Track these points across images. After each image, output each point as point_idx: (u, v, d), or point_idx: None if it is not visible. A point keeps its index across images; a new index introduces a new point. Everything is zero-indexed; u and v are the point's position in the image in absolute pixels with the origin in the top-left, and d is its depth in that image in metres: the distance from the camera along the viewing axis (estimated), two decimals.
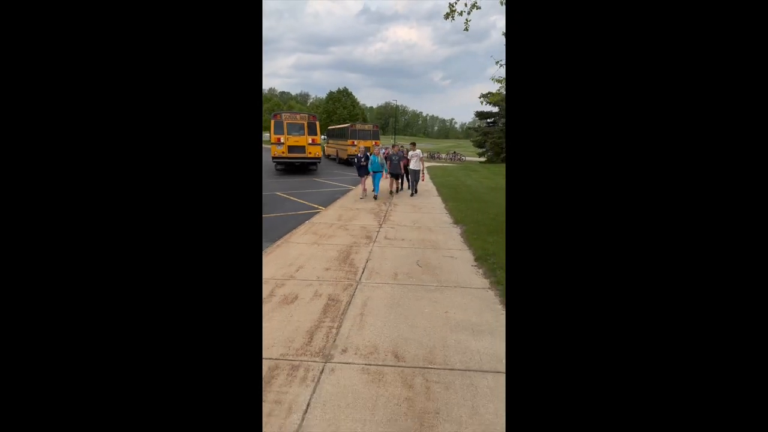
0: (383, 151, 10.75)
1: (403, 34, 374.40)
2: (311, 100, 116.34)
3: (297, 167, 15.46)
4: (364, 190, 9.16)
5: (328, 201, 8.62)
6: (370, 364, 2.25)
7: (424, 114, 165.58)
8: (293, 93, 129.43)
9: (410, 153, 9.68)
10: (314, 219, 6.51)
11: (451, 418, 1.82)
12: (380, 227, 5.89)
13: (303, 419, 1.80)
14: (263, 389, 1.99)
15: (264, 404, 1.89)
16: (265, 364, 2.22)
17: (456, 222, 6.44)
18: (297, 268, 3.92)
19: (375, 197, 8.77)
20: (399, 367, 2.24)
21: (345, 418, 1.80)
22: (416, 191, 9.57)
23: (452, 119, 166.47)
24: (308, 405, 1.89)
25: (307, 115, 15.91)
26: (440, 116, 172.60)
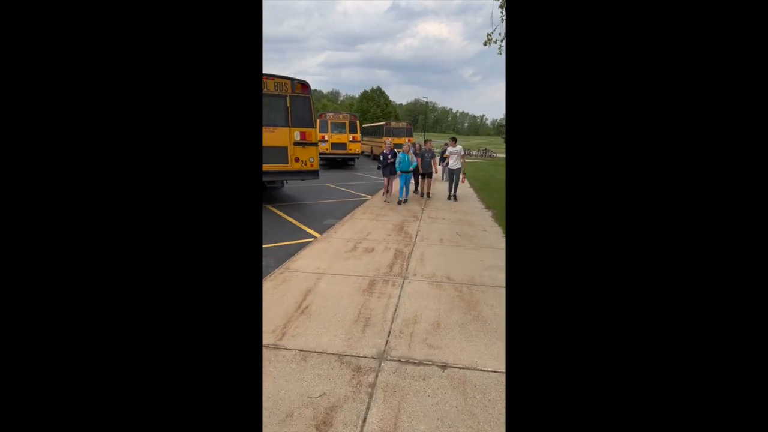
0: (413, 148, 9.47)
1: (433, 29, 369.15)
2: (342, 98, 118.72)
3: (338, 162, 16.99)
4: (387, 191, 8.06)
5: (372, 191, 9.93)
6: (432, 281, 3.52)
7: (454, 110, 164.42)
8: (324, 91, 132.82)
9: (449, 149, 8.52)
10: (366, 204, 7.83)
11: (486, 304, 3.05)
12: (423, 210, 7.12)
13: (398, 300, 3.09)
14: (370, 289, 3.30)
15: (372, 295, 3.19)
16: (366, 280, 3.53)
17: (487, 207, 7.56)
18: (366, 234, 5.25)
19: (400, 202, 7.70)
20: (451, 283, 3.49)
21: (422, 301, 3.08)
22: (455, 196, 8.33)
23: (483, 116, 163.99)
24: (399, 295, 3.18)
25: (348, 115, 17.46)
26: (470, 113, 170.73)
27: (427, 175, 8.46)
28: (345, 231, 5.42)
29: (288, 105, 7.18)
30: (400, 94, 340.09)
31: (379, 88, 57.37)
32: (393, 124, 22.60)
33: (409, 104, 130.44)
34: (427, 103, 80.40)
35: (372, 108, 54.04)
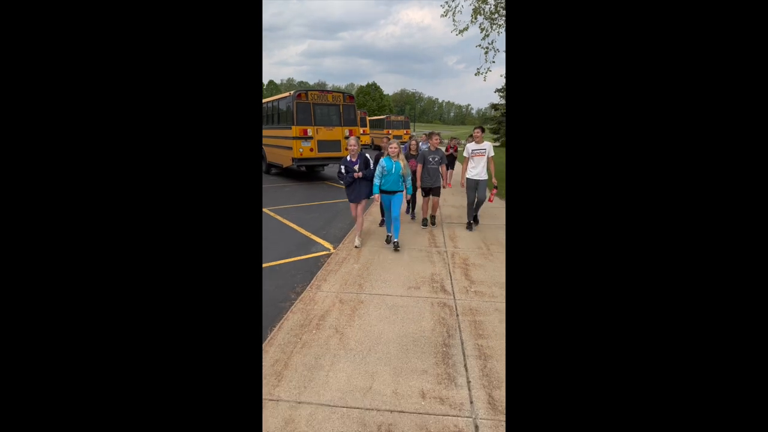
0: (405, 147, 5.59)
1: (415, 15, 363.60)
2: (329, 89, 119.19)
3: None
4: (360, 230, 4.51)
5: None
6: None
7: (440, 100, 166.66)
8: (311, 82, 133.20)
9: (469, 147, 5.06)
10: None
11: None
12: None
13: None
14: None
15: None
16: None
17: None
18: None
19: (396, 246, 4.25)
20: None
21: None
22: (476, 219, 5.37)
23: (468, 105, 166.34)
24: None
25: (359, 112, 20.23)
26: (456, 102, 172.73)
27: (433, 191, 5.17)
28: None
29: (341, 111, 10.09)
30: (384, 85, 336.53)
31: (374, 84, 60.75)
32: (393, 117, 25.24)
33: (395, 94, 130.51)
34: (414, 93, 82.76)
35: (368, 102, 57.01)
